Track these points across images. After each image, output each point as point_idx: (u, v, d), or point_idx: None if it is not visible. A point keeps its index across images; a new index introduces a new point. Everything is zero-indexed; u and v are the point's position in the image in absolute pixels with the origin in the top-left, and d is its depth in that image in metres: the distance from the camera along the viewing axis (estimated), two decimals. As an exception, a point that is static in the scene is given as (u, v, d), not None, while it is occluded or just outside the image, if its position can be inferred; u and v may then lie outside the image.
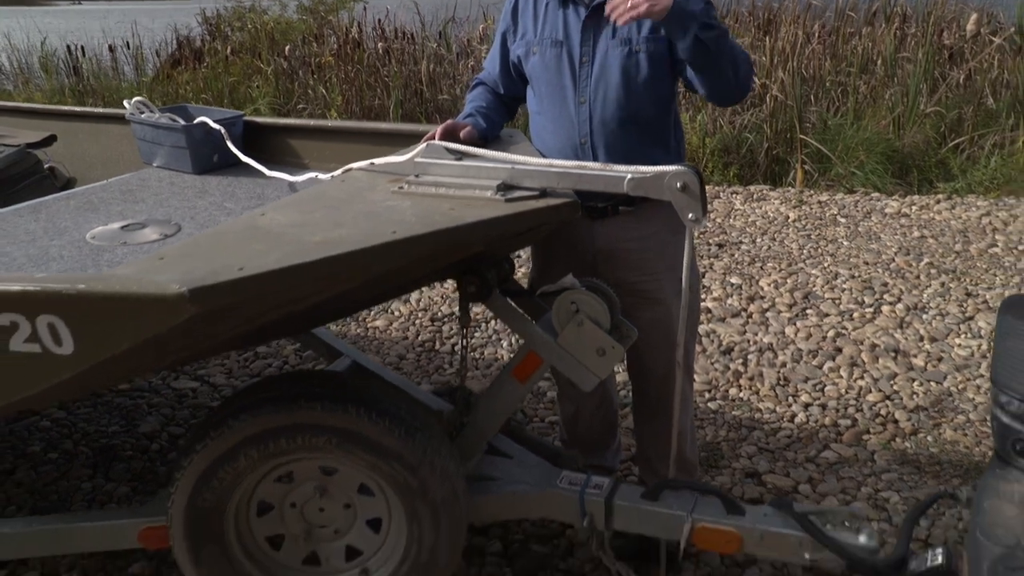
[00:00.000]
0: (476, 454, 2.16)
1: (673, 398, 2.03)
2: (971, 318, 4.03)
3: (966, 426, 3.17)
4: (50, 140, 3.11)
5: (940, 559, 1.79)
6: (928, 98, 6.62)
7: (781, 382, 3.51)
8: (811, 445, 3.07)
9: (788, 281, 4.46)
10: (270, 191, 2.52)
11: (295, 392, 1.90)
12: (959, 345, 3.77)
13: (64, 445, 3.02)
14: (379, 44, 8.47)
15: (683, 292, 1.87)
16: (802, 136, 6.28)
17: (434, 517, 1.89)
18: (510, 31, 2.29)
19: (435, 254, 1.70)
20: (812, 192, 6.00)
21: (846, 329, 3.93)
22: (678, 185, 1.73)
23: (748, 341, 3.84)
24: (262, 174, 2.57)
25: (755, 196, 5.94)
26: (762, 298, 4.28)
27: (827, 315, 4.08)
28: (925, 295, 4.28)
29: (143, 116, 2.84)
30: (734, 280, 4.50)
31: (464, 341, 2.36)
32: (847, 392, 3.42)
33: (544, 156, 2.01)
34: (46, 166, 2.98)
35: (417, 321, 4.09)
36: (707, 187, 1.81)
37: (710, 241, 5.06)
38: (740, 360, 3.67)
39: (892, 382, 3.48)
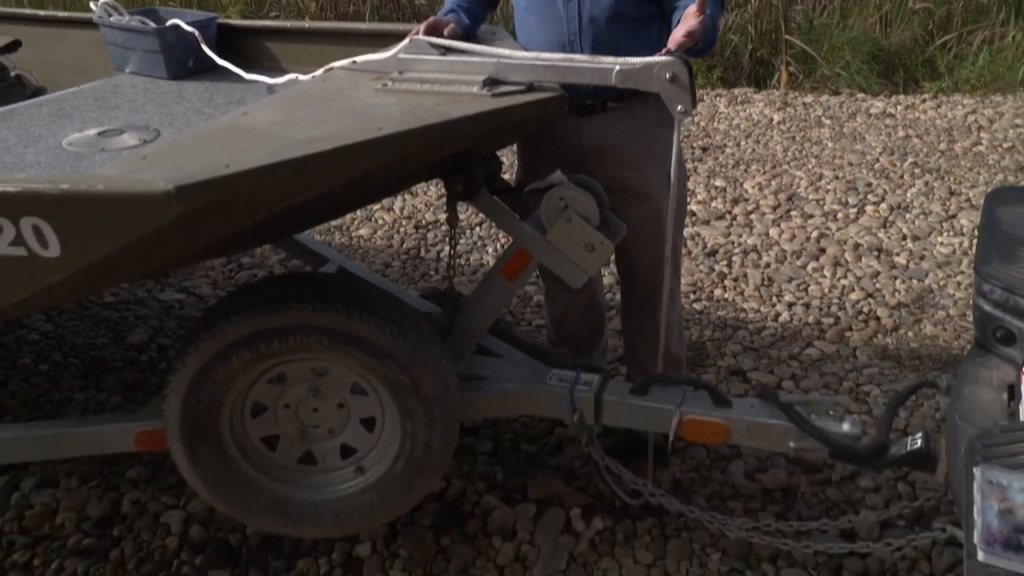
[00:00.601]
0: (466, 354, 2.18)
1: (661, 293, 2.05)
2: (954, 216, 4.06)
3: (946, 321, 3.24)
4: (14, 45, 2.99)
5: (919, 443, 1.85)
6: (917, -7, 6.48)
7: (765, 282, 3.54)
8: (795, 343, 3.12)
9: (772, 183, 4.45)
10: (249, 95, 2.46)
11: (285, 293, 1.90)
12: (941, 243, 3.81)
13: (54, 357, 3.02)
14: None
15: (672, 186, 1.86)
16: (787, 36, 6.17)
17: (427, 413, 1.91)
18: None
19: (422, 150, 1.68)
20: (797, 94, 5.94)
21: (830, 229, 3.95)
22: (667, 76, 1.71)
23: (732, 243, 3.86)
24: (240, 78, 2.50)
25: (739, 99, 5.87)
26: (746, 200, 4.28)
27: (811, 216, 4.10)
28: (909, 194, 4.30)
29: (112, 19, 2.74)
30: (718, 183, 4.48)
31: (452, 242, 2.35)
32: (830, 291, 3.46)
33: None
34: (12, 74, 2.88)
35: (401, 229, 4.07)
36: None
37: (694, 144, 5.02)
38: (724, 262, 3.69)
39: (875, 280, 3.52)
